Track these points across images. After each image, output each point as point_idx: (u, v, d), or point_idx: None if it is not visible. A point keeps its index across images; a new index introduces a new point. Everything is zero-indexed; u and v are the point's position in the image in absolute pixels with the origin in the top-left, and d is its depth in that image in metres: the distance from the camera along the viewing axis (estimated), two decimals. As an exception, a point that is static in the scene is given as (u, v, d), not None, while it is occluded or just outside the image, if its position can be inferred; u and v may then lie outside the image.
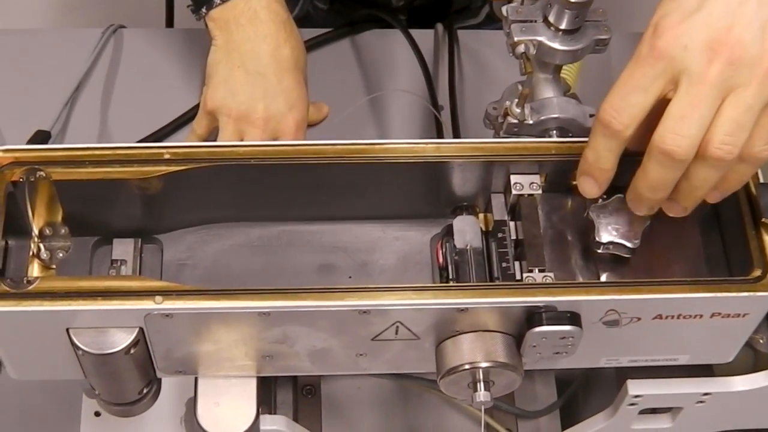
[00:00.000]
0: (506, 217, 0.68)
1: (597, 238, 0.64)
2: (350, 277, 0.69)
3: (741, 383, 0.69)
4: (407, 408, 0.86)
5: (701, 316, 0.63)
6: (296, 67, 0.87)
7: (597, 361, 0.67)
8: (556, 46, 0.70)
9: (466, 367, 0.62)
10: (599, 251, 0.65)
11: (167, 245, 0.69)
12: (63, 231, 0.66)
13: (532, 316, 0.61)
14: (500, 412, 0.84)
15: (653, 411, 0.72)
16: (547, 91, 0.73)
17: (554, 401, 0.85)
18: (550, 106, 0.71)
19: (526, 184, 0.67)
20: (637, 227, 0.64)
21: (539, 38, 0.70)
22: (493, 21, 1.12)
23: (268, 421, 0.69)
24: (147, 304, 0.59)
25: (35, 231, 0.65)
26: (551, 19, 0.70)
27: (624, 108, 0.58)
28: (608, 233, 0.64)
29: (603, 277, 0.66)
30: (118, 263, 0.67)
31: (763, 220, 0.63)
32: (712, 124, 0.56)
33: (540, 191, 0.67)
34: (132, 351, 0.61)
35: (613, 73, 1.00)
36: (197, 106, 0.96)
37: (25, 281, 0.60)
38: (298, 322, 0.61)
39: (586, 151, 0.61)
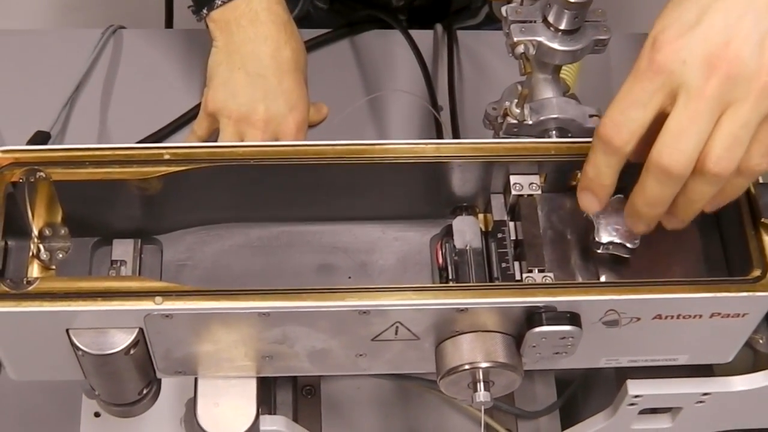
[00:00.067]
0: (506, 218, 0.68)
1: (596, 239, 0.65)
2: (350, 278, 0.69)
3: (740, 383, 0.69)
4: (407, 408, 0.86)
5: (701, 316, 0.63)
6: (297, 69, 0.87)
7: (597, 361, 0.67)
8: (556, 46, 0.71)
9: (466, 367, 0.62)
10: (599, 251, 0.65)
11: (167, 246, 0.69)
12: (63, 231, 0.66)
13: (532, 317, 0.61)
14: (500, 413, 0.84)
15: (653, 411, 0.72)
16: (547, 92, 0.73)
17: (554, 401, 0.85)
18: (549, 107, 0.71)
19: (526, 184, 0.67)
20: (636, 227, 0.64)
21: (538, 38, 0.70)
22: (493, 21, 1.12)
23: (267, 422, 0.69)
24: (147, 305, 0.59)
25: (35, 231, 0.65)
26: (551, 19, 0.70)
27: (624, 123, 0.58)
28: (608, 233, 0.64)
29: (602, 278, 0.66)
30: (118, 264, 0.67)
31: (763, 220, 0.63)
32: (710, 139, 0.56)
33: (539, 191, 0.67)
34: (132, 351, 0.61)
35: (613, 73, 1.00)
36: (197, 107, 0.96)
37: (24, 282, 0.60)
38: (297, 323, 0.61)
39: (585, 166, 0.61)
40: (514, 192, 0.67)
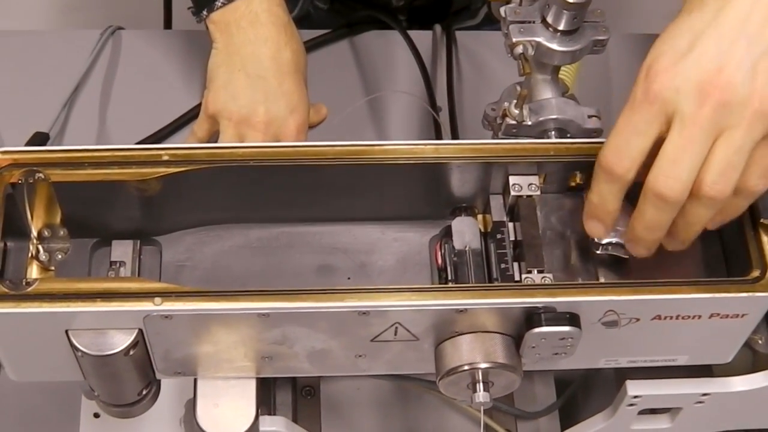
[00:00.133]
0: (505, 218, 0.68)
1: (596, 239, 0.65)
2: (349, 278, 0.69)
3: (740, 383, 0.69)
4: (406, 409, 0.86)
5: (700, 316, 0.63)
6: (297, 70, 0.87)
7: (596, 361, 0.67)
8: (555, 46, 0.71)
9: (466, 367, 0.62)
10: (598, 252, 0.65)
11: (166, 247, 0.69)
12: (62, 232, 0.66)
13: (531, 317, 0.61)
14: (500, 413, 0.84)
15: (652, 411, 0.72)
16: (546, 92, 0.73)
17: (553, 402, 0.85)
18: (548, 107, 0.71)
19: (525, 185, 0.67)
20: (635, 228, 0.64)
21: (537, 39, 0.70)
22: (492, 22, 1.12)
23: (267, 422, 0.69)
24: (146, 306, 0.59)
25: (34, 233, 0.65)
26: (549, 20, 0.70)
27: (625, 153, 0.59)
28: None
29: (602, 278, 0.66)
30: (117, 265, 0.67)
31: (762, 220, 0.63)
32: (704, 164, 0.57)
33: (538, 192, 0.67)
34: (131, 352, 0.61)
35: (612, 73, 1.00)
36: (196, 108, 0.96)
37: (24, 283, 0.60)
38: (297, 323, 0.61)
39: (590, 195, 0.62)
40: (513, 193, 0.67)
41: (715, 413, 0.72)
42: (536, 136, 0.72)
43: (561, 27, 0.70)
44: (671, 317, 0.62)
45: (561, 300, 0.61)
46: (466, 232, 0.68)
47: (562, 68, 0.75)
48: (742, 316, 0.63)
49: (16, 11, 1.81)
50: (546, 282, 0.64)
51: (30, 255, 0.65)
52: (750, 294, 0.61)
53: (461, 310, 0.61)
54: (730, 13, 0.57)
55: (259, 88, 0.86)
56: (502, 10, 0.72)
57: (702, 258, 0.67)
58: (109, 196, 0.65)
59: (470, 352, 0.62)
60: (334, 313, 0.60)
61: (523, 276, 0.65)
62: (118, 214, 0.67)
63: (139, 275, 0.67)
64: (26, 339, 0.62)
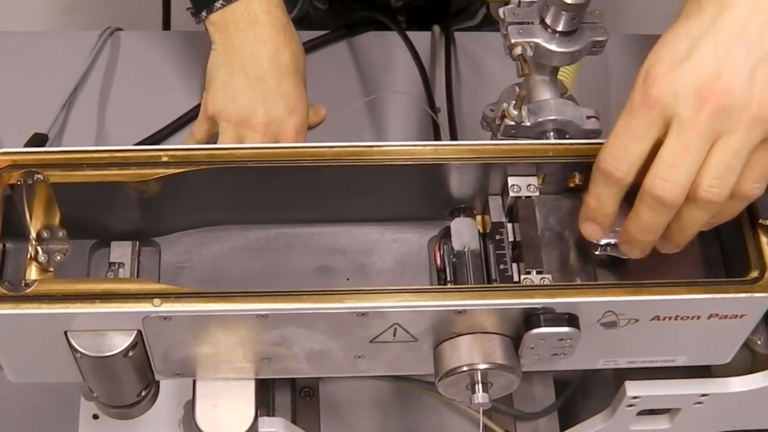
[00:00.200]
0: (504, 219, 0.68)
1: (595, 240, 0.65)
2: (348, 279, 0.69)
3: (739, 384, 0.69)
4: (406, 410, 0.86)
5: (699, 317, 0.63)
6: (296, 72, 0.87)
7: (595, 362, 0.67)
8: (553, 47, 0.71)
9: (465, 368, 0.62)
10: (597, 253, 0.65)
11: (165, 248, 0.69)
12: (61, 234, 0.66)
13: (530, 318, 0.61)
14: (499, 414, 0.84)
15: (651, 412, 0.72)
16: (544, 93, 0.73)
17: (552, 402, 0.85)
18: (547, 108, 0.72)
19: (524, 186, 0.67)
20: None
21: (536, 40, 0.70)
22: (491, 23, 1.12)
23: (266, 424, 0.69)
24: (145, 307, 0.59)
25: (33, 234, 0.65)
26: (548, 21, 0.70)
27: (623, 157, 0.59)
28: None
29: (601, 279, 0.66)
30: (116, 266, 0.67)
31: (761, 221, 0.64)
32: (702, 168, 0.58)
33: (537, 193, 0.67)
34: (130, 353, 0.61)
35: (610, 74, 1.00)
36: (195, 109, 0.96)
37: (23, 284, 0.60)
38: (296, 325, 0.61)
39: (587, 198, 0.62)
40: (512, 193, 0.67)
41: (714, 414, 0.72)
42: (535, 137, 0.72)
43: (560, 28, 0.70)
44: (670, 318, 0.62)
45: (560, 301, 0.61)
46: (464, 233, 0.68)
47: (561, 69, 0.75)
48: (741, 316, 0.63)
49: (14, 12, 1.81)
50: (545, 283, 0.64)
51: (29, 256, 0.65)
52: (749, 294, 0.61)
53: (460, 311, 0.61)
54: (729, 19, 0.57)
55: (258, 89, 0.86)
56: (500, 11, 0.72)
57: (701, 259, 0.67)
58: (108, 197, 0.65)
59: (469, 353, 0.62)
60: (333, 314, 0.60)
61: (522, 277, 0.65)
62: (117, 215, 0.67)
63: (138, 276, 0.67)
64: (25, 340, 0.62)
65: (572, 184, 0.67)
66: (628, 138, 0.59)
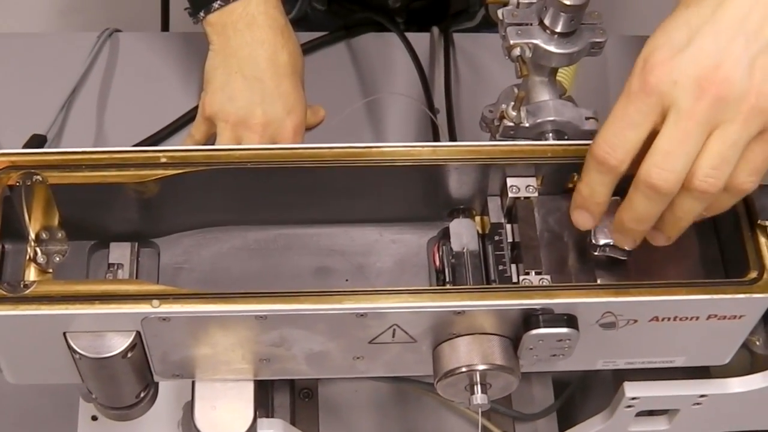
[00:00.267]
0: (503, 220, 0.68)
1: (593, 241, 0.65)
2: (347, 280, 0.69)
3: (737, 385, 0.69)
4: (404, 411, 0.86)
5: (698, 318, 0.63)
6: (294, 72, 0.87)
7: (594, 363, 0.67)
8: (552, 49, 0.71)
9: (463, 369, 0.62)
10: (596, 253, 0.65)
11: (164, 249, 0.69)
12: (60, 235, 0.66)
13: (529, 319, 0.61)
14: (497, 415, 0.84)
15: (650, 413, 0.72)
16: (543, 94, 0.73)
17: (551, 403, 0.85)
18: (545, 109, 0.72)
19: (523, 186, 0.67)
20: (633, 229, 0.64)
21: (535, 41, 0.70)
22: (489, 24, 1.12)
23: (265, 425, 0.69)
24: (144, 308, 0.59)
25: (32, 235, 0.65)
26: (547, 22, 0.70)
27: (619, 144, 0.59)
28: (604, 235, 0.64)
29: (599, 280, 0.66)
30: (115, 267, 0.67)
31: (760, 222, 0.64)
32: (698, 158, 0.57)
33: (536, 194, 0.67)
34: (129, 355, 0.61)
35: (609, 75, 1.00)
36: (193, 110, 0.96)
37: (22, 285, 0.60)
38: (295, 326, 0.61)
39: (579, 185, 0.62)
40: (511, 194, 0.67)
41: (712, 415, 0.72)
42: (534, 138, 0.72)
43: (558, 29, 0.70)
44: (669, 319, 0.62)
45: (558, 301, 0.61)
46: (463, 233, 0.68)
47: (560, 70, 0.75)
48: (740, 317, 0.63)
49: (13, 13, 1.81)
50: (544, 283, 0.64)
51: (28, 257, 0.65)
52: (747, 295, 0.61)
53: (459, 312, 0.61)
54: (729, 10, 0.57)
55: (256, 89, 0.86)
56: (499, 12, 0.72)
57: (699, 259, 0.67)
58: (107, 198, 0.65)
59: (468, 353, 0.62)
60: (332, 315, 0.60)
61: (521, 278, 0.65)
62: (116, 216, 0.67)
63: (137, 277, 0.67)
64: (24, 342, 0.62)
65: (571, 185, 0.67)
66: (624, 125, 0.58)
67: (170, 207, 0.67)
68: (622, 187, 0.61)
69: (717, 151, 0.57)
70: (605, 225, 0.64)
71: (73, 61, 1.01)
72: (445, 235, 0.69)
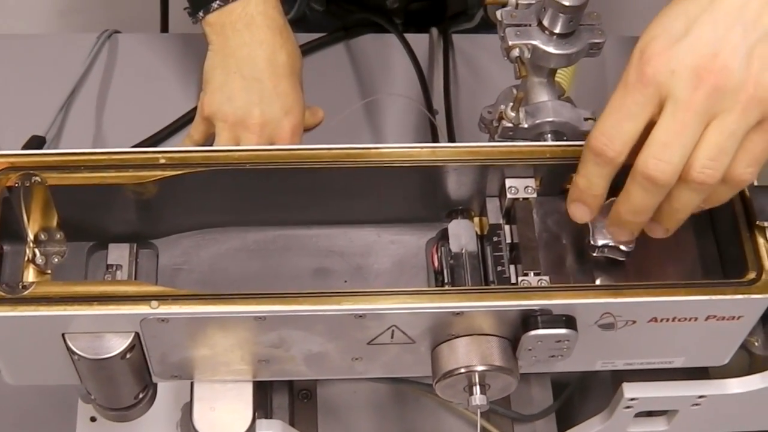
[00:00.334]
0: (501, 221, 0.68)
1: (592, 242, 0.65)
2: (346, 281, 0.69)
3: (736, 386, 0.69)
4: (403, 412, 0.86)
5: (696, 318, 0.63)
6: (292, 73, 0.87)
7: (593, 364, 0.67)
8: (551, 49, 0.71)
9: (462, 370, 0.62)
10: (594, 254, 0.65)
11: (163, 250, 0.69)
12: (58, 236, 0.66)
13: (528, 320, 0.61)
14: (496, 416, 0.84)
15: (649, 414, 0.72)
16: (542, 95, 0.73)
17: (550, 404, 0.85)
18: (544, 110, 0.72)
19: (521, 187, 0.67)
20: (632, 230, 0.64)
21: (534, 42, 0.70)
22: (488, 25, 1.12)
23: (264, 426, 0.69)
24: (143, 309, 0.59)
25: (30, 236, 0.65)
26: (545, 23, 0.70)
27: (616, 136, 0.58)
28: (603, 236, 0.64)
29: (598, 281, 0.66)
30: (114, 268, 0.67)
31: (758, 222, 0.64)
32: (696, 148, 0.57)
33: (535, 195, 0.67)
34: (128, 356, 0.61)
35: (608, 76, 1.00)
36: (192, 111, 0.96)
37: (20, 286, 0.60)
38: (293, 327, 0.61)
39: (577, 178, 0.61)
40: (509, 195, 0.67)
41: (711, 415, 0.72)
42: (532, 139, 0.72)
43: (557, 30, 0.70)
44: (667, 319, 0.62)
45: (557, 302, 0.61)
46: (462, 234, 0.68)
47: (559, 71, 0.75)
48: (739, 318, 0.63)
49: (12, 14, 1.81)
50: (542, 284, 0.64)
51: (26, 258, 0.65)
52: (746, 296, 0.61)
53: (457, 313, 0.61)
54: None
55: (254, 90, 0.86)
56: (498, 13, 0.72)
57: (698, 260, 0.67)
58: (106, 199, 0.65)
59: (467, 354, 0.62)
60: (331, 316, 0.60)
61: (520, 278, 0.65)
62: (115, 217, 0.67)
63: (135, 278, 0.67)
64: (23, 343, 0.62)
65: (569, 186, 0.67)
66: (621, 116, 0.58)
67: (169, 208, 0.67)
68: (622, 188, 0.61)
69: (715, 141, 0.57)
70: (604, 226, 0.64)
71: (73, 62, 1.01)
72: (443, 236, 0.69)
